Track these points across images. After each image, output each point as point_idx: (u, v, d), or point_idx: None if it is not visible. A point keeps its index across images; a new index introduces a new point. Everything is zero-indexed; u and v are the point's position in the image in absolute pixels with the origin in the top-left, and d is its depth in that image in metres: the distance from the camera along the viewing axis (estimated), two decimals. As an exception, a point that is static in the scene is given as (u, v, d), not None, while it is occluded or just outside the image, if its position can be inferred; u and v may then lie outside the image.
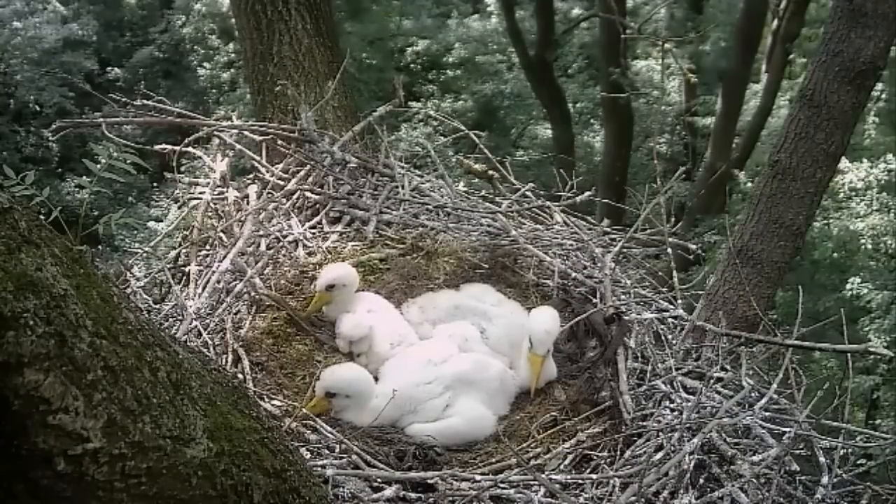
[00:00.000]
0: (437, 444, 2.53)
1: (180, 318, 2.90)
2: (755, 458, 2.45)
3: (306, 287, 3.10)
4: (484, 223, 3.56)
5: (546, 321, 2.79)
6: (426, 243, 3.33)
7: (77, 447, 1.23)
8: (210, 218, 3.51)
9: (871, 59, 3.54)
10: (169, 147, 3.76)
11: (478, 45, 16.13)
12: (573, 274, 3.26)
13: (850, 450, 2.59)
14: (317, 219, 3.50)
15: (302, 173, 3.65)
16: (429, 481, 2.32)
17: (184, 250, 3.40)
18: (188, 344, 2.43)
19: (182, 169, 4.05)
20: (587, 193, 3.90)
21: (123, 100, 3.94)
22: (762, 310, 3.49)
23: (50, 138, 12.88)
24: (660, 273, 3.53)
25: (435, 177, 3.87)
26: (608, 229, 3.66)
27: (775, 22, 12.73)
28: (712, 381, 2.78)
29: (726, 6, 14.36)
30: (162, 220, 10.29)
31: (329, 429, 2.50)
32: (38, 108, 13.77)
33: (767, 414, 2.65)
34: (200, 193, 3.63)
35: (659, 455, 2.44)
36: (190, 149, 3.79)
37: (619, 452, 2.53)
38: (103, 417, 1.25)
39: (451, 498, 2.28)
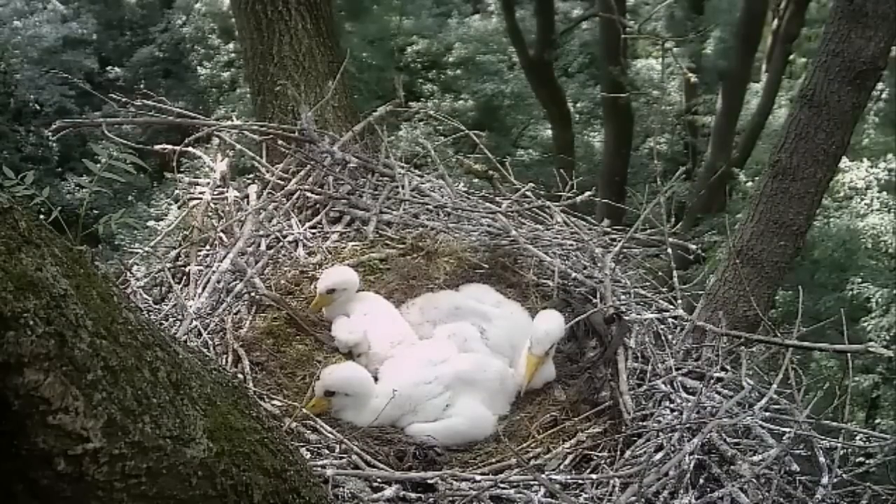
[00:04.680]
0: (437, 443, 2.53)
1: (180, 318, 2.90)
2: (755, 459, 2.45)
3: (306, 287, 3.11)
4: (484, 223, 3.56)
5: (547, 323, 2.79)
6: (426, 243, 3.33)
7: (77, 447, 1.23)
8: (210, 218, 3.51)
9: (871, 60, 3.53)
10: (169, 147, 3.76)
11: (478, 44, 16.13)
12: (573, 274, 3.26)
13: (850, 450, 2.59)
14: (317, 219, 3.50)
15: (302, 173, 3.65)
16: (429, 481, 2.32)
17: (184, 250, 3.40)
18: (188, 344, 2.43)
19: (182, 169, 4.06)
20: (587, 193, 3.90)
21: (123, 99, 3.94)
22: (762, 310, 3.49)
23: (50, 138, 12.86)
24: (660, 273, 3.53)
25: (435, 177, 3.87)
26: (608, 229, 3.66)
27: (775, 22, 12.73)
28: (712, 381, 2.78)
29: (726, 6, 14.36)
30: (162, 220, 10.29)
31: (329, 429, 2.50)
32: (38, 108, 13.76)
33: (767, 414, 2.65)
34: (200, 193, 3.63)
35: (659, 455, 2.45)
36: (190, 149, 3.79)
37: (619, 452, 2.53)
38: (103, 417, 1.25)
39: (451, 498, 2.28)
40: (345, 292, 2.95)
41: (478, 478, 2.36)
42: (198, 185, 3.76)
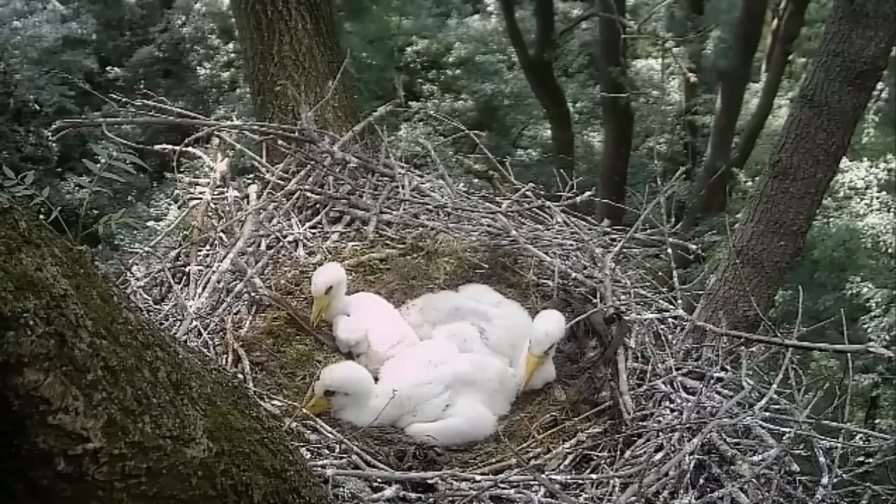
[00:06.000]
0: (437, 444, 2.53)
1: (180, 318, 2.90)
2: (755, 459, 2.45)
3: (306, 287, 3.10)
4: (484, 223, 3.56)
5: (547, 323, 2.79)
6: (426, 243, 3.33)
7: (77, 447, 1.23)
8: (210, 218, 3.51)
9: (871, 60, 3.53)
10: (169, 147, 3.76)
11: (477, 44, 16.13)
12: (573, 274, 3.26)
13: (849, 450, 2.59)
14: (317, 219, 3.50)
15: (302, 173, 3.65)
16: (429, 481, 2.32)
17: (184, 250, 3.40)
18: (188, 344, 2.43)
19: (182, 169, 4.05)
20: (587, 193, 3.89)
21: (123, 99, 3.94)
22: (762, 310, 3.49)
23: (50, 138, 12.83)
24: (660, 273, 3.53)
25: (435, 177, 3.88)
26: (608, 229, 3.67)
27: (775, 22, 12.73)
28: (712, 381, 2.78)
29: (726, 6, 14.35)
30: (162, 220, 10.29)
31: (329, 429, 2.50)
32: (37, 108, 13.74)
33: (767, 414, 2.65)
34: (200, 193, 3.63)
35: (659, 455, 2.45)
36: (190, 149, 3.79)
37: (619, 452, 2.53)
38: (103, 417, 1.25)
39: (451, 498, 2.28)
40: (339, 289, 2.94)
41: (478, 478, 2.36)
42: (198, 185, 3.76)
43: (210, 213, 3.53)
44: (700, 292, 3.58)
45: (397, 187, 3.67)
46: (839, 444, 2.54)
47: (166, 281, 3.18)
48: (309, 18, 4.12)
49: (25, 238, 1.20)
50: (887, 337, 8.98)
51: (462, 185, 4.21)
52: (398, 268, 3.22)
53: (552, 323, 2.79)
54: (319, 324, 2.97)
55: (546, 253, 3.35)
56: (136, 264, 3.43)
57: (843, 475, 2.48)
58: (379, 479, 2.32)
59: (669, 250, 3.39)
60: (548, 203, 3.74)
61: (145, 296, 3.16)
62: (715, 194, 10.92)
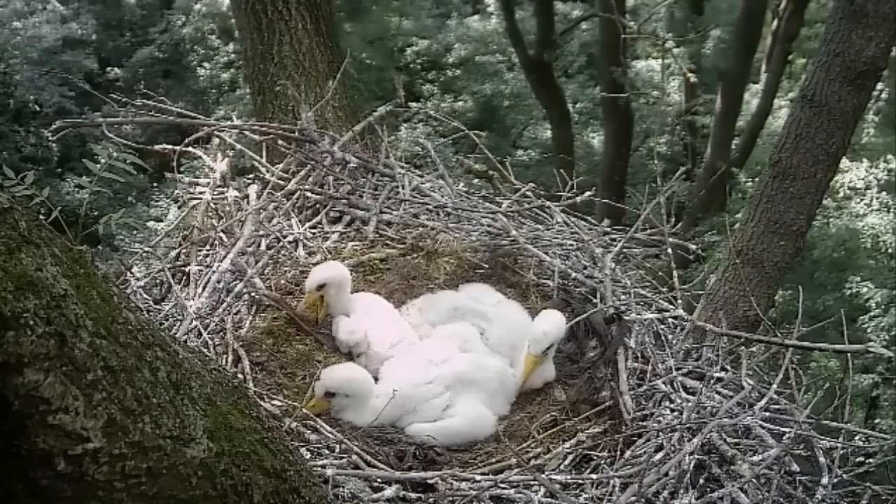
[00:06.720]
0: (437, 444, 2.53)
1: (180, 318, 2.90)
2: (755, 459, 2.45)
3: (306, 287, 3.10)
4: (484, 223, 3.56)
5: (545, 323, 2.79)
6: (426, 243, 3.32)
7: (77, 447, 1.23)
8: (210, 218, 3.51)
9: (871, 60, 3.53)
10: (169, 147, 3.76)
11: (478, 45, 16.14)
12: (573, 274, 3.26)
13: (849, 450, 2.59)
14: (317, 219, 3.50)
15: (302, 173, 3.65)
16: (429, 481, 2.32)
17: (184, 250, 3.40)
18: (188, 344, 2.43)
19: (182, 169, 4.05)
20: (587, 193, 3.89)
21: (123, 100, 3.94)
22: (762, 310, 3.49)
23: (50, 138, 12.82)
24: (660, 273, 3.53)
25: (435, 177, 3.88)
26: (608, 229, 3.67)
27: (775, 22, 12.73)
28: (712, 381, 2.78)
29: (726, 6, 14.34)
30: (162, 220, 10.29)
31: (329, 429, 2.50)
32: (37, 108, 13.73)
33: (767, 414, 2.65)
34: (200, 193, 3.63)
35: (659, 455, 2.45)
36: (190, 149, 3.79)
37: (619, 452, 2.53)
38: (103, 417, 1.25)
39: (451, 498, 2.28)
40: (338, 289, 2.93)
41: (478, 478, 2.36)
42: (198, 185, 3.76)
43: (210, 213, 3.53)
44: (700, 292, 3.58)
45: (397, 187, 3.67)
46: (839, 444, 2.54)
47: (166, 281, 3.18)
48: (309, 18, 4.12)
49: (25, 238, 1.20)
50: (887, 337, 8.99)
51: (462, 185, 4.21)
52: (398, 268, 3.22)
53: (550, 322, 2.79)
54: (320, 323, 2.96)
55: (546, 253, 3.35)
56: (136, 264, 3.43)
57: (843, 475, 2.48)
58: (379, 479, 2.32)
59: (669, 250, 3.39)
60: (548, 203, 3.74)
61: (145, 296, 3.16)
62: (715, 194, 10.92)
